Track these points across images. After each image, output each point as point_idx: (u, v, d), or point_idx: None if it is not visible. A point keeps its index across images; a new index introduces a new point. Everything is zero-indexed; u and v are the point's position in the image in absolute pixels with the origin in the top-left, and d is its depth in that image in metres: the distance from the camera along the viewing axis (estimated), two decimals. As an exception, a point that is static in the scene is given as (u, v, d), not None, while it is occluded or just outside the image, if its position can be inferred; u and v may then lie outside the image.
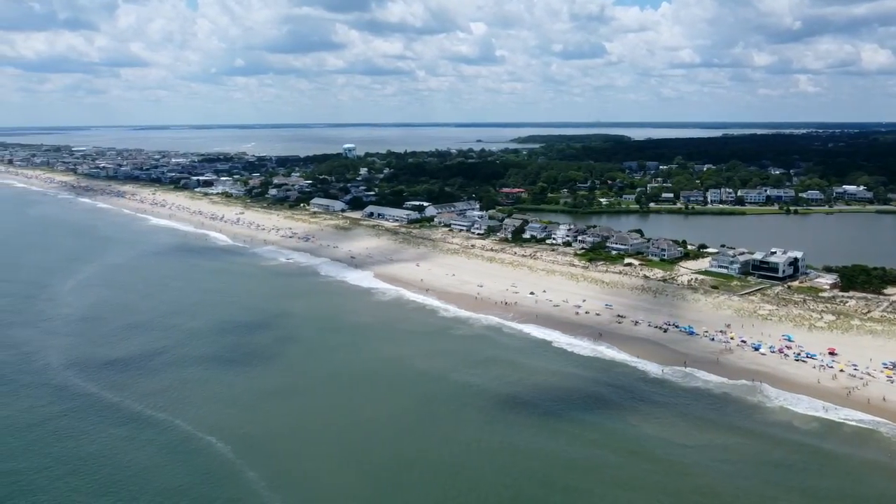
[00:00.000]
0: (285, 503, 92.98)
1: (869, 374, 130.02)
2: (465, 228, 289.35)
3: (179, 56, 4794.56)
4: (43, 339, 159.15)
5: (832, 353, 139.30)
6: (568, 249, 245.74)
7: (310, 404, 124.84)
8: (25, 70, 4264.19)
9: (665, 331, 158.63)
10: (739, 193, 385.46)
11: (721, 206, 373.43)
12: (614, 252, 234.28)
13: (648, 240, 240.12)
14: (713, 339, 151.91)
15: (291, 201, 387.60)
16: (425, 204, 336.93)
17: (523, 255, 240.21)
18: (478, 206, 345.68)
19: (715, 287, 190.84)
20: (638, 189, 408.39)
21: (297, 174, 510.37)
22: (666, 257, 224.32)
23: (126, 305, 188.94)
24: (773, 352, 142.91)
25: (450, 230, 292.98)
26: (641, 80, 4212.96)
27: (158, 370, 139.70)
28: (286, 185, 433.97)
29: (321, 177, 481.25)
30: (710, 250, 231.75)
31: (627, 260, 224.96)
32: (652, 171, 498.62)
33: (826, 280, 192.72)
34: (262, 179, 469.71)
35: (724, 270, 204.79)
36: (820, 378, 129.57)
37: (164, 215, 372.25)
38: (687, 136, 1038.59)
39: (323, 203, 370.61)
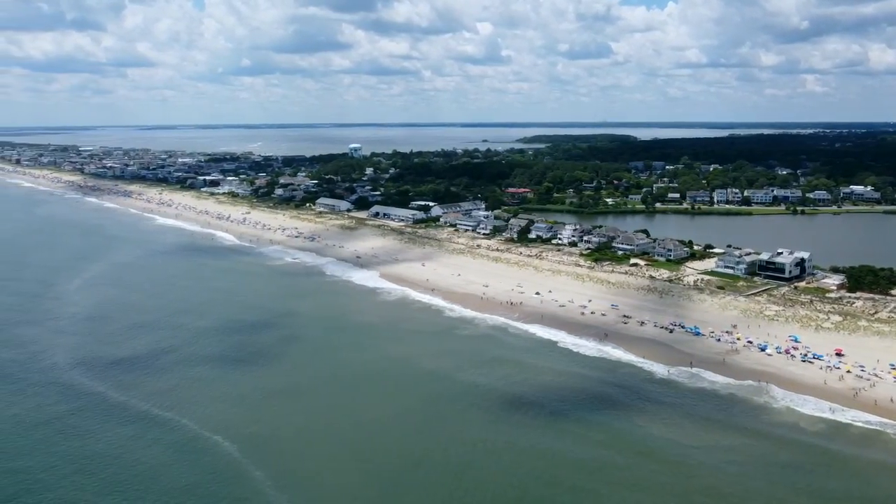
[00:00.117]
0: (291, 502, 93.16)
1: (876, 375, 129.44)
2: (470, 228, 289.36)
3: (186, 56, 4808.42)
4: (50, 338, 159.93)
5: (839, 354, 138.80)
6: (573, 249, 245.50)
7: (316, 404, 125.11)
8: (33, 70, 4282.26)
9: (671, 331, 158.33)
10: (746, 194, 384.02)
11: (727, 206, 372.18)
12: (620, 252, 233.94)
13: (654, 240, 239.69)
14: (719, 340, 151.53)
15: (297, 201, 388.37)
16: (431, 204, 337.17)
17: (529, 255, 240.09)
18: (483, 206, 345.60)
19: (721, 287, 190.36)
20: (644, 189, 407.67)
21: (303, 174, 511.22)
22: (672, 257, 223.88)
23: (133, 304, 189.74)
24: (780, 353, 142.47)
25: (455, 230, 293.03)
26: (648, 80, 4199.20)
27: (165, 369, 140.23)
28: (292, 184, 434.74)
29: (327, 177, 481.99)
30: (716, 251, 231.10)
31: (633, 260, 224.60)
32: (658, 172, 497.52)
33: (833, 281, 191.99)
34: (269, 179, 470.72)
35: (731, 271, 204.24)
36: (826, 379, 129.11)
37: (170, 215, 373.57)
38: (693, 136, 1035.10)
39: (329, 203, 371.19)
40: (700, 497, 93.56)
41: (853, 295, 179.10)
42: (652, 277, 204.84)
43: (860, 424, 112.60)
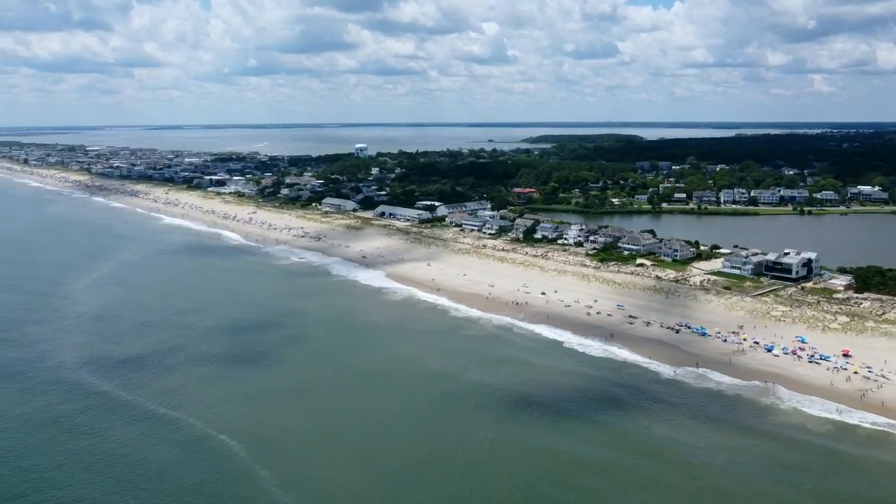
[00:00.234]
0: (297, 502, 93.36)
1: (884, 376, 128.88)
2: (476, 228, 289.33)
3: (192, 56, 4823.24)
4: (58, 337, 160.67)
5: (846, 355, 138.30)
6: (579, 250, 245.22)
7: (322, 403, 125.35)
8: (41, 70, 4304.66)
9: (677, 332, 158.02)
10: (753, 194, 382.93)
11: (734, 206, 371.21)
12: (626, 252, 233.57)
13: (661, 240, 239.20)
14: (726, 341, 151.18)
15: (303, 201, 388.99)
16: (437, 204, 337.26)
17: (535, 256, 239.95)
18: (489, 205, 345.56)
19: (727, 288, 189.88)
20: (650, 189, 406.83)
21: (309, 174, 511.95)
22: (678, 258, 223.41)
23: (140, 303, 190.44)
24: (787, 353, 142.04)
25: (461, 230, 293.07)
26: (654, 79, 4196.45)
27: (172, 368, 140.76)
28: (298, 184, 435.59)
29: (333, 176, 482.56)
30: (722, 251, 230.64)
31: (639, 260, 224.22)
32: (664, 172, 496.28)
33: (840, 281, 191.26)
34: (275, 179, 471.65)
35: (737, 271, 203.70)
36: (833, 380, 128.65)
37: (177, 214, 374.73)
38: (700, 136, 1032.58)
39: (334, 203, 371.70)
40: (706, 497, 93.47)
41: (860, 296, 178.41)
42: (658, 278, 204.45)
43: (867, 426, 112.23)
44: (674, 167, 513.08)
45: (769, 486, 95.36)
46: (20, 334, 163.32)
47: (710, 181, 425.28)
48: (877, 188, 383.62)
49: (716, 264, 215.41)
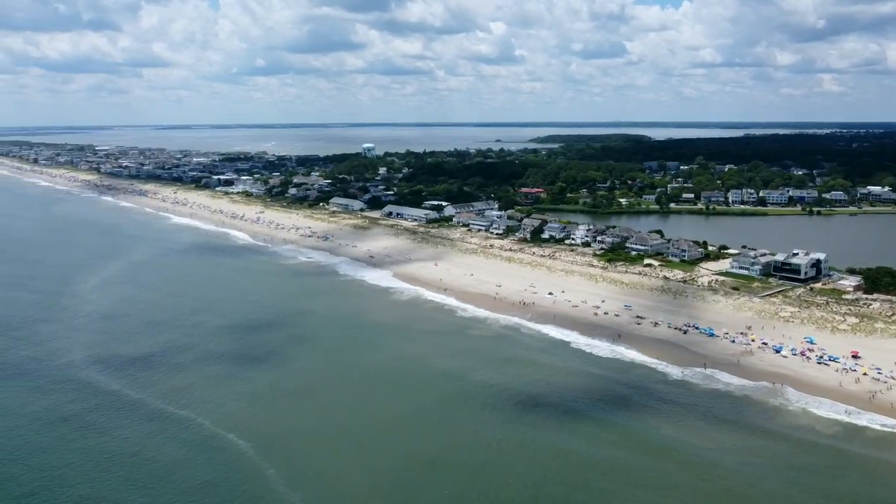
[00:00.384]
0: (305, 501, 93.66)
1: (893, 377, 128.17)
2: (483, 228, 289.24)
3: (201, 56, 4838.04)
4: (68, 336, 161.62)
5: (855, 357, 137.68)
6: (587, 250, 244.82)
7: (329, 403, 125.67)
8: (50, 70, 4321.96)
9: (685, 332, 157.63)
10: (761, 194, 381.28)
11: (742, 206, 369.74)
12: (634, 253, 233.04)
13: (668, 240, 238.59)
14: (734, 341, 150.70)
15: (311, 200, 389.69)
16: (444, 203, 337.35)
17: (542, 256, 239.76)
18: (496, 205, 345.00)
19: (736, 288, 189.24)
20: (658, 189, 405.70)
21: (317, 173, 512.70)
22: (686, 258, 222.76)
23: (148, 302, 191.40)
24: (795, 354, 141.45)
25: (468, 230, 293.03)
26: (662, 79, 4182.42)
27: (181, 367, 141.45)
28: (306, 184, 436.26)
29: (340, 176, 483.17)
30: (730, 251, 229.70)
31: (647, 261, 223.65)
32: (672, 172, 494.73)
33: (849, 282, 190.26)
34: (282, 179, 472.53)
35: (745, 272, 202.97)
36: (842, 381, 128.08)
37: (185, 214, 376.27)
38: (708, 136, 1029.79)
39: (342, 202, 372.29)
40: (715, 498, 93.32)
41: (870, 297, 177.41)
42: (666, 278, 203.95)
43: (877, 427, 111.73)
44: (682, 167, 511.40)
45: (778, 488, 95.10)
46: (30, 333, 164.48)
47: (719, 181, 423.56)
48: (887, 188, 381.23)
49: (724, 265, 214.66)
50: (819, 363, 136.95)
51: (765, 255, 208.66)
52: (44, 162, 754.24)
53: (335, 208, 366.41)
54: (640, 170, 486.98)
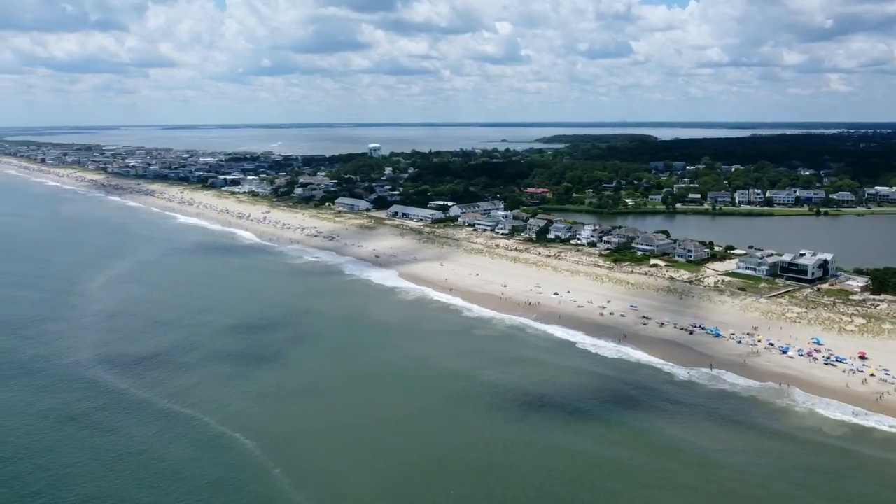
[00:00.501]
0: (310, 501, 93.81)
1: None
2: (489, 228, 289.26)
3: (207, 56, 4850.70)
4: (75, 335, 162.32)
5: (862, 358, 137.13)
6: (593, 250, 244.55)
7: (335, 402, 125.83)
8: (57, 70, 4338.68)
9: (691, 333, 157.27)
10: (768, 194, 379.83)
11: (749, 206, 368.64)
12: (640, 253, 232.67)
13: (675, 241, 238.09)
14: (740, 342, 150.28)
15: (317, 200, 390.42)
16: (450, 203, 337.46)
17: (548, 256, 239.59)
18: (502, 205, 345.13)
19: (742, 289, 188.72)
20: (664, 189, 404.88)
21: (323, 173, 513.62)
22: (692, 258, 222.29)
23: (155, 302, 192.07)
24: (802, 355, 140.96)
25: (474, 230, 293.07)
26: (668, 79, 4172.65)
27: (187, 366, 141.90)
28: (312, 184, 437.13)
29: (346, 176, 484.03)
30: (737, 252, 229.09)
31: (653, 261, 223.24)
32: (679, 172, 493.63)
33: (857, 283, 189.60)
34: (288, 178, 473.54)
35: (752, 272, 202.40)
36: (849, 382, 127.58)
37: (191, 213, 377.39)
38: (714, 136, 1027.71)
39: (348, 202, 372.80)
40: (722, 499, 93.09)
41: (877, 297, 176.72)
42: (672, 278, 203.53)
43: (884, 429, 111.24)
44: (688, 167, 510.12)
45: (785, 489, 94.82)
46: (38, 332, 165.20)
47: (725, 181, 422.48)
48: (894, 189, 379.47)
49: (730, 265, 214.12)
50: (826, 364, 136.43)
51: (771, 255, 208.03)
52: (51, 162, 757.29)
53: (341, 208, 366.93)
54: (646, 170, 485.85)
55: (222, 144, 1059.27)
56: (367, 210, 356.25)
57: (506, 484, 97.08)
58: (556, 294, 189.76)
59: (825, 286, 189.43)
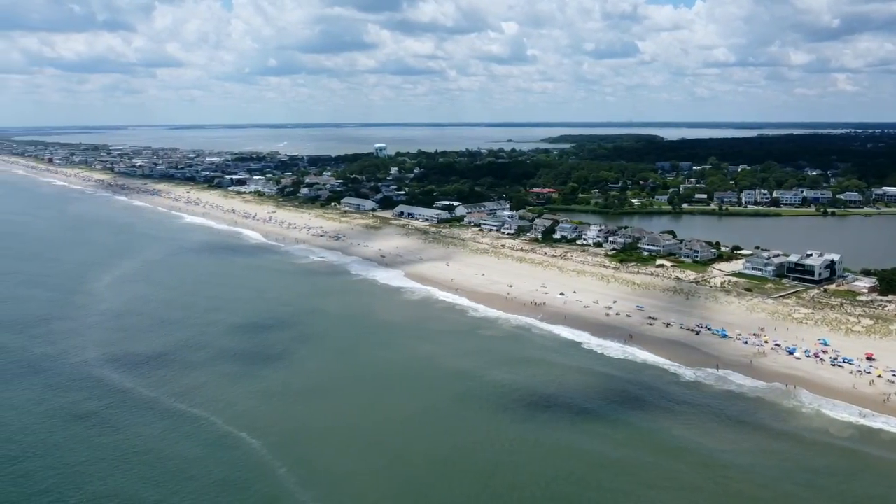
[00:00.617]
0: (316, 500, 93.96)
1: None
2: (495, 228, 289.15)
3: (214, 56, 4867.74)
4: (83, 334, 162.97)
5: (870, 359, 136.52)
6: (599, 250, 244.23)
7: (341, 402, 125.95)
8: (65, 71, 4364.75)
9: (697, 333, 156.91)
10: (775, 194, 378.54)
11: (756, 207, 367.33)
12: (646, 253, 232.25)
13: (681, 241, 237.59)
14: (746, 343, 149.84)
15: (323, 200, 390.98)
16: (455, 203, 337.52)
17: (553, 256, 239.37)
18: (508, 205, 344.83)
19: (749, 289, 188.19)
20: (670, 189, 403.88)
21: (329, 173, 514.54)
22: (699, 259, 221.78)
23: (162, 301, 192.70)
24: (809, 356, 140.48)
25: (480, 230, 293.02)
26: (675, 79, 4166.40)
27: (194, 366, 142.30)
28: (317, 184, 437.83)
29: (352, 176, 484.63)
30: (743, 252, 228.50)
31: (659, 261, 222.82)
32: (685, 172, 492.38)
33: (864, 283, 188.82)
34: (294, 178, 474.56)
35: (759, 273, 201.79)
36: (856, 384, 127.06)
37: (198, 213, 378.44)
38: (721, 136, 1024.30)
39: (354, 202, 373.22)
40: (727, 500, 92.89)
41: (885, 298, 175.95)
42: (678, 279, 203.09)
43: (892, 430, 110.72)
44: (694, 167, 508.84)
45: (792, 490, 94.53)
46: (46, 330, 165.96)
47: (732, 182, 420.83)
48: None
49: (737, 266, 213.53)
50: (833, 365, 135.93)
51: (778, 255, 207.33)
52: (59, 161, 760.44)
53: (347, 208, 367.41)
54: (652, 170, 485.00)
55: (228, 144, 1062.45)
56: (373, 210, 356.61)
57: (512, 483, 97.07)
58: (561, 294, 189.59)
59: (832, 287, 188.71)
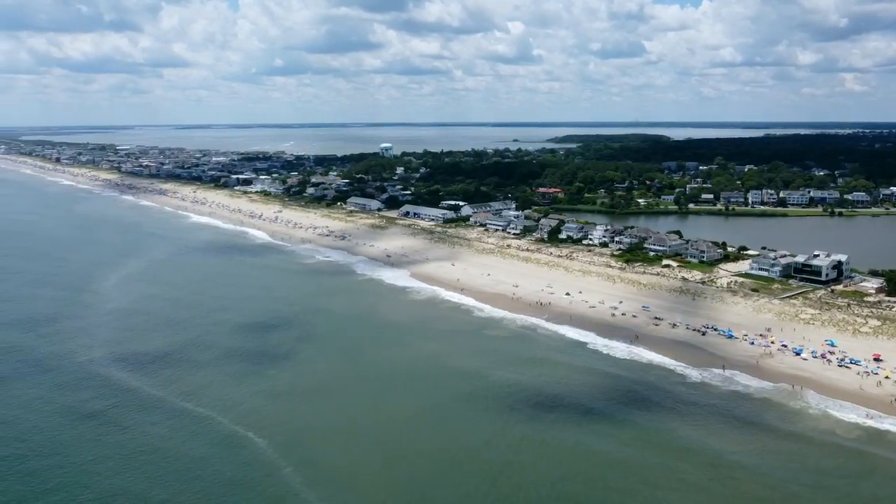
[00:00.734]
0: (322, 499, 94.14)
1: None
2: (500, 228, 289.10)
3: (220, 56, 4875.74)
4: (90, 333, 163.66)
5: (877, 360, 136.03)
6: (605, 250, 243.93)
7: (347, 401, 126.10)
8: (72, 71, 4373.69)
9: (703, 334, 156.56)
10: (781, 195, 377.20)
11: (762, 207, 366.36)
12: (652, 253, 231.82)
13: (687, 241, 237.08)
14: (753, 343, 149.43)
15: (329, 200, 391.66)
16: (461, 203, 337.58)
17: (559, 256, 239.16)
18: (514, 205, 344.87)
19: (755, 290, 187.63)
20: (677, 190, 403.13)
21: (335, 173, 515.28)
22: (705, 259, 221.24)
23: (168, 300, 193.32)
24: (815, 357, 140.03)
25: (485, 230, 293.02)
26: (681, 79, 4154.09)
27: (201, 365, 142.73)
28: (323, 183, 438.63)
29: (358, 176, 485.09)
30: (750, 252, 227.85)
31: (665, 261, 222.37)
32: (691, 172, 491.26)
33: (871, 284, 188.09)
34: (300, 178, 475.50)
35: (765, 273, 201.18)
36: (864, 385, 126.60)
37: (204, 213, 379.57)
38: (728, 136, 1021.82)
39: (359, 202, 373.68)
40: (734, 500, 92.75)
41: (892, 299, 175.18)
42: (684, 279, 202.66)
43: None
44: (701, 167, 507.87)
45: (798, 491, 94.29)
46: (53, 329, 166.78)
47: (738, 182, 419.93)
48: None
49: (743, 266, 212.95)
50: (840, 366, 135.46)
51: (785, 256, 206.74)
52: (66, 161, 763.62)
53: (352, 208, 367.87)
54: (658, 170, 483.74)
55: (235, 144, 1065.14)
56: (379, 210, 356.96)
57: (518, 483, 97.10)
58: (567, 294, 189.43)
59: (839, 287, 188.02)
